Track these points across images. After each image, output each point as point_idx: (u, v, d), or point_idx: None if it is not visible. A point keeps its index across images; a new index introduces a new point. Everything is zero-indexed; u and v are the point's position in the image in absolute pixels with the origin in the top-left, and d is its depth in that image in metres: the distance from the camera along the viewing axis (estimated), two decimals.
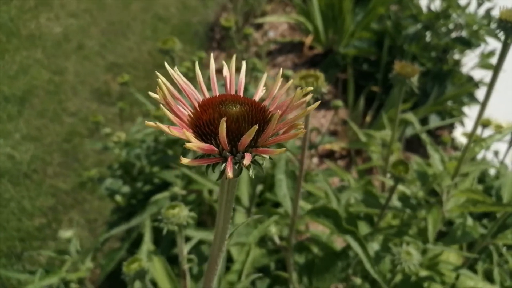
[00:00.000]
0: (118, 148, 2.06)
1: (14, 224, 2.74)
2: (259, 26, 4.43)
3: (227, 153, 0.51)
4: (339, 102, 2.27)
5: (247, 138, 0.49)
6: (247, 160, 0.48)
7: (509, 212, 1.44)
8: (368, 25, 3.57)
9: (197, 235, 1.41)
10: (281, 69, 0.61)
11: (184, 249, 1.00)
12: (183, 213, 0.97)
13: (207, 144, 0.50)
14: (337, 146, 3.21)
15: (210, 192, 1.97)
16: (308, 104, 0.58)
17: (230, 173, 0.48)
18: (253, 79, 2.31)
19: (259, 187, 2.03)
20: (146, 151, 2.06)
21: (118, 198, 2.16)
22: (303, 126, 0.50)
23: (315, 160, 3.17)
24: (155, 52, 4.14)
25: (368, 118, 3.26)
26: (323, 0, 3.78)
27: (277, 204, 1.99)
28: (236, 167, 0.50)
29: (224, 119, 0.47)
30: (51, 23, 4.32)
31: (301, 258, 1.72)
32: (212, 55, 0.64)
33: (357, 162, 3.04)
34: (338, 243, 1.80)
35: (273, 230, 1.49)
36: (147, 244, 1.41)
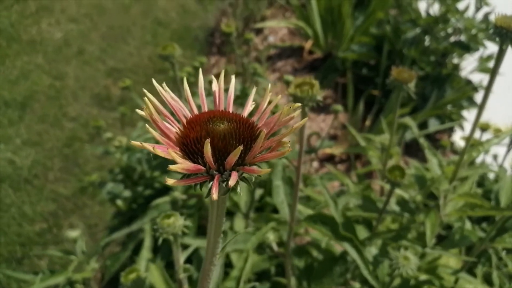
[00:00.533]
0: (119, 153, 2.07)
1: (14, 229, 2.75)
2: (259, 31, 4.45)
3: (214, 172, 0.51)
4: (338, 107, 2.28)
5: (233, 157, 0.48)
6: (233, 181, 0.48)
7: (508, 216, 1.45)
8: (367, 30, 3.58)
9: (195, 243, 1.42)
10: (269, 85, 0.61)
11: (180, 258, 1.01)
12: (178, 222, 0.97)
13: (193, 165, 0.50)
14: (337, 150, 3.21)
15: None
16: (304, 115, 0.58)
17: (215, 195, 0.48)
18: (253, 84, 2.32)
19: (259, 192, 2.04)
20: (147, 155, 2.07)
21: (119, 202, 2.17)
22: (289, 145, 0.50)
23: (315, 164, 3.18)
24: (155, 57, 4.15)
25: (367, 122, 3.27)
26: (322, 5, 3.79)
27: (276, 209, 2.00)
28: (224, 185, 0.50)
29: (208, 140, 0.47)
30: (52, 28, 4.33)
31: (301, 262, 1.73)
32: (200, 72, 0.64)
33: (357, 166, 3.05)
34: (338, 246, 1.81)
35: (271, 237, 1.50)
36: (147, 250, 1.42)
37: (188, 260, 1.15)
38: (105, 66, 4.01)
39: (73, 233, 1.67)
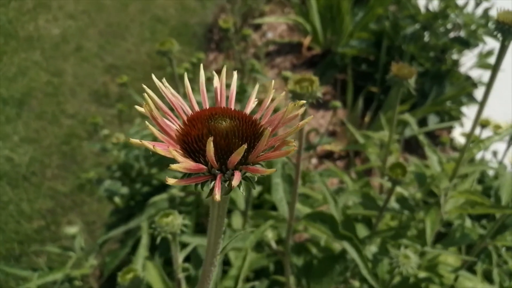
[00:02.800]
0: (117, 150, 2.06)
1: (12, 227, 2.74)
2: (257, 27, 4.43)
3: (216, 171, 0.49)
4: (337, 103, 2.27)
5: (236, 156, 0.47)
6: (236, 181, 0.47)
7: (508, 214, 1.44)
8: (366, 26, 3.57)
9: (193, 241, 1.41)
10: (273, 81, 0.60)
11: (178, 257, 1.00)
12: (177, 221, 0.96)
13: (194, 164, 0.48)
14: (336, 147, 3.20)
15: None
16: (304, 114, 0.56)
17: (217, 195, 0.46)
18: (252, 80, 2.31)
19: (258, 188, 2.03)
20: (144, 152, 2.06)
21: (117, 199, 2.16)
22: (294, 144, 0.49)
23: (314, 160, 3.17)
24: (153, 53, 4.13)
25: (367, 119, 3.26)
26: (321, 0, 3.77)
27: (275, 206, 1.99)
28: (226, 185, 0.49)
29: (211, 138, 0.45)
30: (50, 25, 4.31)
31: (299, 260, 1.72)
32: (202, 66, 0.63)
33: (356, 163, 3.04)
34: (337, 244, 1.80)
35: (270, 235, 1.49)
36: (143, 248, 1.41)
37: (186, 258, 1.14)
38: (103, 62, 3.99)
39: (72, 229, 1.67)
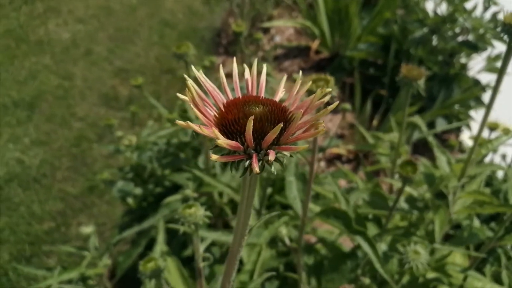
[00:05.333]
0: (130, 151, 2.08)
1: (23, 228, 2.77)
2: (265, 31, 4.46)
3: (252, 151, 0.53)
4: (346, 105, 2.29)
5: (271, 135, 0.51)
6: (272, 156, 0.51)
7: None
8: (374, 29, 3.58)
9: (210, 236, 1.43)
10: (300, 72, 0.64)
11: (200, 247, 1.02)
12: (199, 212, 0.99)
13: (234, 141, 0.52)
14: (344, 149, 3.22)
15: (221, 194, 1.99)
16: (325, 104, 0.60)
17: (256, 168, 0.50)
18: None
19: (268, 190, 2.05)
20: (157, 154, 2.08)
21: (130, 200, 2.18)
22: (324, 125, 0.52)
23: (323, 163, 3.18)
24: (162, 57, 4.17)
25: (375, 122, 3.28)
26: (329, 4, 3.79)
27: (286, 207, 2.01)
28: (260, 164, 0.53)
29: (251, 117, 0.49)
30: (60, 29, 4.36)
31: (310, 260, 1.74)
32: (235, 60, 0.67)
33: (365, 165, 3.06)
34: (346, 245, 1.82)
35: (284, 231, 1.51)
36: (161, 245, 1.43)
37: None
38: (113, 66, 4.03)
39: (87, 229, 1.69)
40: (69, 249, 1.77)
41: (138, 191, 2.11)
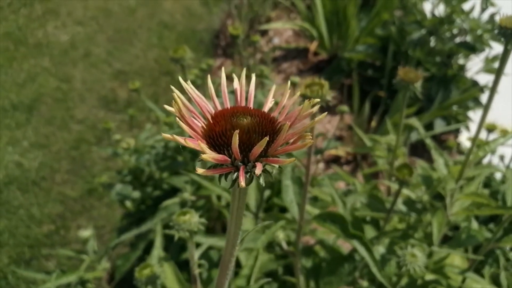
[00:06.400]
0: (128, 154, 2.08)
1: (23, 231, 2.77)
2: (264, 33, 4.46)
3: (239, 163, 0.53)
4: (344, 107, 2.29)
5: (258, 148, 0.51)
6: (258, 170, 0.51)
7: None
8: (372, 31, 3.59)
9: (207, 241, 1.43)
10: (289, 82, 0.63)
11: (195, 254, 1.02)
12: (194, 219, 0.99)
13: (220, 155, 0.52)
14: (342, 151, 3.22)
15: (219, 197, 1.99)
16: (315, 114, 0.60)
17: (243, 182, 0.50)
18: (260, 85, 2.33)
19: (267, 193, 2.05)
20: (155, 157, 2.08)
21: (128, 203, 2.18)
22: (311, 137, 0.52)
23: (321, 165, 3.19)
24: (161, 59, 4.17)
25: (373, 123, 3.28)
26: (327, 6, 3.80)
27: (284, 209, 2.01)
28: (248, 176, 0.53)
29: (237, 131, 0.49)
30: (58, 31, 4.36)
31: (308, 262, 1.74)
32: (223, 70, 0.67)
33: (363, 167, 3.06)
34: (345, 247, 1.82)
35: (281, 235, 1.51)
36: (158, 249, 1.43)
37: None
38: (112, 68, 4.03)
39: (85, 233, 1.69)
40: (68, 253, 1.77)
41: (136, 194, 2.11)
